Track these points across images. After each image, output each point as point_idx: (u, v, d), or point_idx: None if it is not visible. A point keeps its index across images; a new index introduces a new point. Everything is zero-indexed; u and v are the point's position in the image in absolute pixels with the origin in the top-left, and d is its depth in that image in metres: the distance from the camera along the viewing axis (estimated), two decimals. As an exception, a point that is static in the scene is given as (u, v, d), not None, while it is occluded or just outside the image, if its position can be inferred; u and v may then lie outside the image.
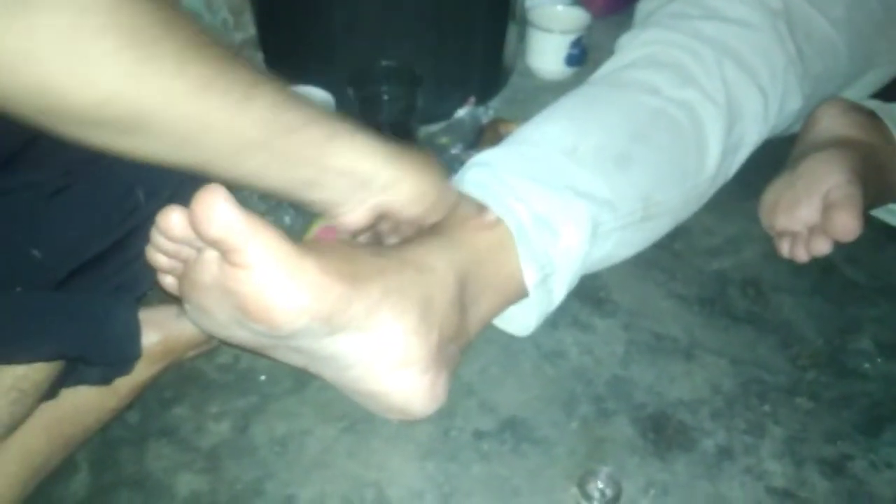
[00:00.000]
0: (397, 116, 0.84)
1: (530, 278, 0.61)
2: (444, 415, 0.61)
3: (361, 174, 0.52)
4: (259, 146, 0.46)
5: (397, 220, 0.58)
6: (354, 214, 0.54)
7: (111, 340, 0.54)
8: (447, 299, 0.56)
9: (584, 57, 1.03)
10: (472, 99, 0.90)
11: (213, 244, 0.45)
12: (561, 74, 1.04)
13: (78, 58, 0.38)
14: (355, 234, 0.57)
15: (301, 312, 0.47)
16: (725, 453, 0.60)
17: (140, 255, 0.50)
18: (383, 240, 0.62)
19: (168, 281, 0.51)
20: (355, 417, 0.61)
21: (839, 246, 0.73)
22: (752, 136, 0.74)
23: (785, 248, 0.76)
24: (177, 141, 0.43)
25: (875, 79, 0.90)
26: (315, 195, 0.52)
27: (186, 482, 0.57)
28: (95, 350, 0.53)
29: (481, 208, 0.62)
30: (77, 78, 0.38)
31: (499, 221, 0.61)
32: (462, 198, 0.61)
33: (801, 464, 0.59)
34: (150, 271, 0.51)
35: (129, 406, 0.61)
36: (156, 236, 0.47)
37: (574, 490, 0.56)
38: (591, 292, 0.72)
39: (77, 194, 0.52)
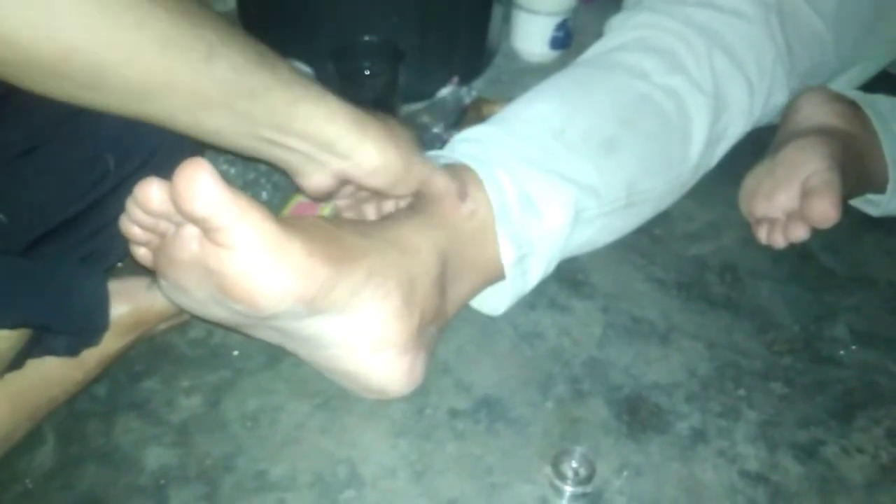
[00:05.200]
0: (379, 93, 0.82)
1: (507, 257, 0.61)
2: (419, 393, 0.60)
3: (323, 139, 0.51)
4: (219, 106, 0.46)
5: (364, 190, 0.57)
6: (316, 179, 0.54)
7: (78, 310, 0.53)
8: (429, 281, 0.56)
9: (569, 40, 1.03)
10: (456, 79, 0.89)
11: (196, 222, 0.43)
12: (545, 57, 1.03)
13: (40, 9, 0.37)
14: (320, 199, 0.57)
15: (285, 295, 0.45)
16: (699, 436, 0.60)
17: (110, 224, 0.49)
18: (363, 210, 0.62)
19: (142, 252, 0.49)
20: (329, 394, 0.60)
21: (817, 234, 0.73)
22: (736, 128, 0.74)
23: (763, 235, 0.76)
24: (136, 96, 0.43)
25: (860, 73, 0.90)
26: (276, 156, 0.52)
27: (156, 456, 0.56)
28: (62, 319, 0.52)
29: (462, 192, 0.59)
30: (39, 29, 0.38)
31: (474, 211, 0.59)
32: (439, 175, 0.58)
33: (774, 448, 0.59)
34: (122, 241, 0.49)
35: (98, 379, 0.59)
36: (132, 208, 0.45)
37: (548, 469, 0.56)
38: (569, 275, 0.72)
39: (45, 157, 0.50)
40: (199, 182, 0.41)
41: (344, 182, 0.55)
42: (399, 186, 0.56)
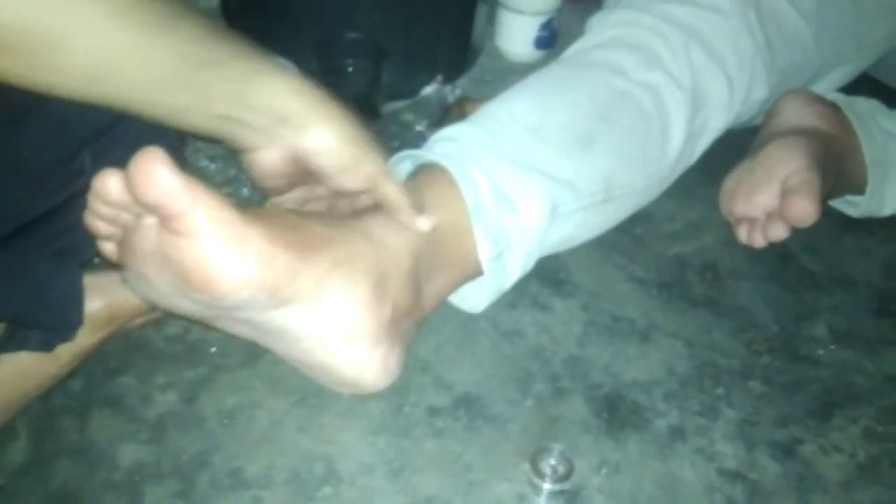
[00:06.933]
0: (362, 90, 0.82)
1: (485, 253, 0.60)
2: (398, 391, 0.60)
3: (278, 112, 0.50)
4: (175, 81, 0.45)
5: (317, 175, 0.55)
6: (266, 152, 0.52)
7: (52, 304, 0.53)
8: (401, 274, 0.55)
9: (554, 40, 1.03)
10: (440, 77, 0.89)
11: (152, 210, 0.43)
12: (529, 57, 1.03)
13: None
14: (271, 181, 0.55)
15: (244, 283, 0.45)
16: (678, 434, 0.60)
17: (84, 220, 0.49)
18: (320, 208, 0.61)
19: (108, 248, 0.49)
20: (307, 392, 0.60)
21: (797, 235, 0.74)
22: (716, 123, 0.74)
23: (743, 234, 0.76)
24: (90, 74, 0.42)
25: (842, 75, 0.91)
26: (231, 131, 0.50)
27: (130, 452, 0.55)
28: (36, 313, 0.52)
29: (419, 207, 0.57)
30: None
31: (433, 229, 0.58)
32: (392, 183, 0.56)
33: (752, 446, 0.60)
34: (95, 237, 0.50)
35: (72, 374, 0.59)
36: (93, 201, 0.45)
37: (526, 467, 0.55)
38: (550, 273, 0.72)
39: (19, 152, 0.50)
40: (153, 170, 0.41)
41: (296, 167, 0.54)
42: (346, 175, 0.54)
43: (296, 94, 0.50)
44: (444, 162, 0.61)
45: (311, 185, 0.58)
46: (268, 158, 0.53)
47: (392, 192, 0.56)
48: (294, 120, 0.51)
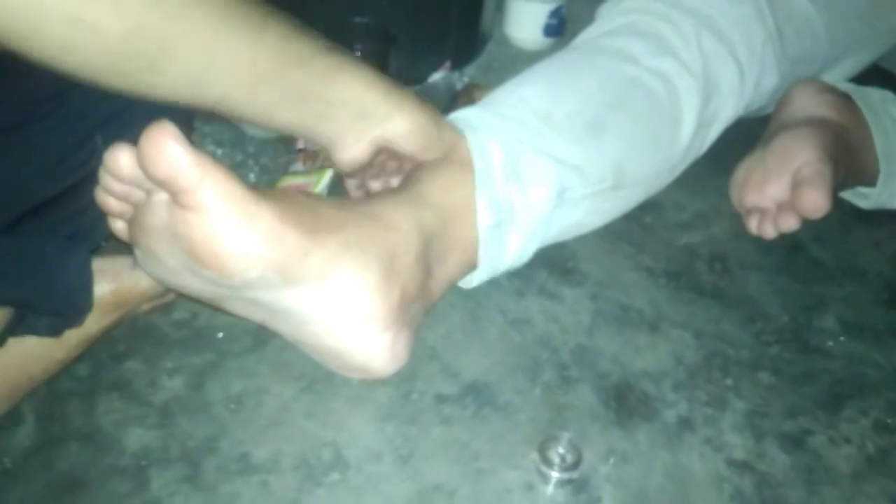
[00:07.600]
0: (369, 76, 0.82)
1: (484, 219, 0.60)
2: (406, 378, 0.60)
3: (364, 105, 0.53)
4: (271, 79, 0.47)
5: (398, 156, 0.59)
6: (357, 148, 0.55)
7: (62, 289, 0.53)
8: (411, 257, 0.55)
9: (562, 28, 1.02)
10: (448, 64, 0.89)
11: (162, 184, 0.43)
12: (538, 44, 1.02)
13: None
14: (355, 172, 0.59)
15: (254, 260, 0.45)
16: (686, 424, 0.59)
17: (95, 203, 0.48)
18: (389, 181, 0.64)
19: (119, 226, 0.49)
20: (314, 377, 0.59)
21: (807, 226, 0.73)
22: (727, 111, 0.73)
23: (753, 225, 0.76)
24: (195, 75, 0.44)
25: (853, 64, 0.90)
26: (321, 128, 0.53)
27: (137, 437, 0.55)
28: (45, 299, 0.52)
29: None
30: (103, 6, 0.38)
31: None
32: (464, 140, 0.60)
33: (761, 437, 0.59)
34: (106, 221, 0.49)
35: (79, 358, 0.59)
36: (104, 177, 0.46)
37: (534, 455, 0.55)
38: (559, 262, 0.72)
39: (32, 134, 0.50)
40: (163, 144, 0.41)
41: (377, 153, 0.57)
42: (431, 149, 0.58)
43: (374, 88, 0.53)
44: (463, 129, 0.62)
45: (383, 160, 0.61)
46: (355, 155, 0.56)
47: (467, 150, 0.60)
48: (377, 112, 0.54)
